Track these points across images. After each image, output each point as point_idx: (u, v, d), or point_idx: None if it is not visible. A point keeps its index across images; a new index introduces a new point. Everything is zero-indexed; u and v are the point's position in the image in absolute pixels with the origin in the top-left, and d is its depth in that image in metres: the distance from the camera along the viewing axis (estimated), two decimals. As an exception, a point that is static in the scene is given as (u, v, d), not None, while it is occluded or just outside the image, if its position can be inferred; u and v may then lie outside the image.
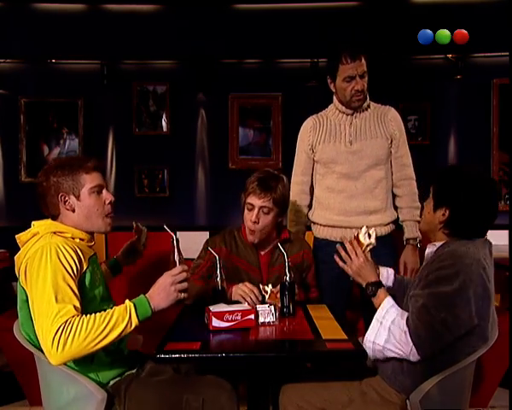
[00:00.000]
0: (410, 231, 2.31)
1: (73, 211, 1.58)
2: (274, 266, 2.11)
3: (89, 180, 1.59)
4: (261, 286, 1.88)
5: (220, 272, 1.83)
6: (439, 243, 1.61)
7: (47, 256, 1.44)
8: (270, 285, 1.86)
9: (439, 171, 1.69)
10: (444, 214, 1.58)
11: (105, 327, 1.38)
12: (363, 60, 2.20)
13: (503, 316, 2.41)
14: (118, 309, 1.43)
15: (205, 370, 1.77)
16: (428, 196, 1.66)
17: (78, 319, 1.37)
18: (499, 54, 3.98)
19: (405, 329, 1.44)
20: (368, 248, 1.70)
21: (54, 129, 4.25)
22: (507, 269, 3.07)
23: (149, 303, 1.45)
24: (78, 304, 1.41)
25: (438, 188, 1.62)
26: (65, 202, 1.56)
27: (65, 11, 4.19)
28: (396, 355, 1.48)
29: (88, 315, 1.39)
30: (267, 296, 1.83)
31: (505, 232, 3.79)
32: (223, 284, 1.83)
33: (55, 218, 1.60)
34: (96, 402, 1.46)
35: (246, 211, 2.03)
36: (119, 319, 1.40)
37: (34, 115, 4.22)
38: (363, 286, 1.65)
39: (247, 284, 1.92)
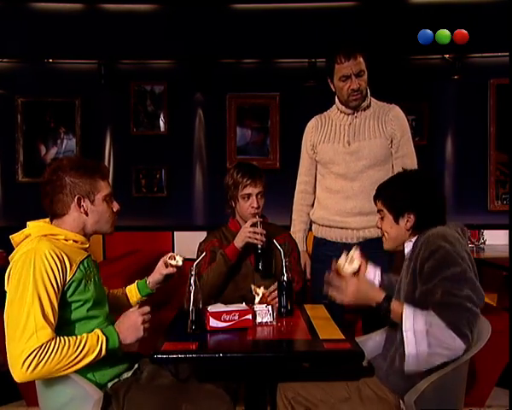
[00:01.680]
0: None
1: (86, 214, 1.58)
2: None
3: (104, 187, 1.61)
4: (253, 287, 1.88)
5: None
6: (414, 238, 1.64)
7: (30, 264, 1.41)
8: (261, 288, 1.86)
9: (380, 187, 1.75)
10: (409, 220, 1.62)
11: (76, 356, 1.41)
12: (359, 58, 2.18)
13: (499, 315, 2.43)
14: (90, 339, 1.45)
15: (203, 371, 1.77)
16: (380, 212, 1.70)
17: (53, 344, 1.38)
18: (496, 54, 3.99)
19: (442, 324, 1.40)
20: (353, 271, 1.65)
21: (51, 129, 4.25)
22: (504, 269, 3.08)
23: (119, 337, 1.51)
24: (54, 322, 1.41)
25: (391, 201, 1.66)
26: (80, 204, 1.56)
27: (62, 11, 4.18)
28: (444, 358, 1.42)
29: (63, 340, 1.40)
30: (258, 299, 1.82)
31: (502, 232, 3.82)
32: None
33: (57, 217, 1.58)
34: (92, 403, 1.46)
35: (242, 202, 2.15)
36: (90, 350, 1.44)
37: (31, 115, 4.21)
38: (375, 307, 1.54)
39: (245, 227, 2.06)
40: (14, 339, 1.37)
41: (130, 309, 1.60)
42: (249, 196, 2.13)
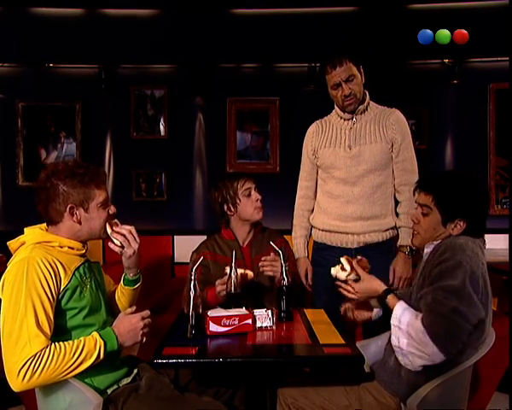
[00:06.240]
0: (404, 239, 2.25)
1: (80, 223, 1.56)
2: (256, 256, 2.17)
3: (98, 194, 1.58)
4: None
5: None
6: (436, 241, 1.59)
7: (23, 273, 1.40)
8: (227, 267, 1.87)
9: (434, 181, 1.60)
10: (458, 226, 1.54)
11: (74, 362, 1.40)
12: (345, 65, 2.18)
13: (499, 320, 2.42)
14: (88, 343, 1.44)
15: (202, 375, 1.76)
16: (426, 208, 1.58)
17: (47, 352, 1.36)
18: (496, 59, 4.00)
19: (422, 328, 1.39)
20: (351, 277, 1.67)
21: (51, 133, 4.25)
22: (504, 273, 3.08)
23: (117, 340, 1.49)
24: (49, 330, 1.40)
25: (447, 201, 1.54)
26: (72, 213, 1.54)
27: (63, 15, 4.19)
28: (422, 361, 1.42)
29: (58, 346, 1.39)
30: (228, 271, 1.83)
31: (502, 236, 3.82)
32: (236, 289, 1.83)
33: (52, 224, 1.57)
34: (92, 408, 1.45)
35: (245, 199, 2.17)
36: (88, 355, 1.42)
37: (32, 119, 4.22)
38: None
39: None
40: (9, 349, 1.37)
41: (128, 310, 1.58)
42: (249, 190, 2.18)
